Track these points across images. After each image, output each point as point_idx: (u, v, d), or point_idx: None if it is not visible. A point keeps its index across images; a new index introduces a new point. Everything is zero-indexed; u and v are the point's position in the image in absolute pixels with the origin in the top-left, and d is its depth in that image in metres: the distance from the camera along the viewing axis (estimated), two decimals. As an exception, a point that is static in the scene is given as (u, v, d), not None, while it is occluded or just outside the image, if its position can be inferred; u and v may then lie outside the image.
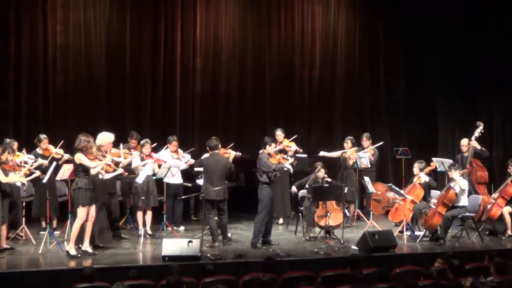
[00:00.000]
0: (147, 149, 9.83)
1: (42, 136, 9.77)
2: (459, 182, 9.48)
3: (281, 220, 11.02)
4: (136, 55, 12.22)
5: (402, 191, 9.93)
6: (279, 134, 10.94)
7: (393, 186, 10.05)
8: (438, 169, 10.65)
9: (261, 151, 9.33)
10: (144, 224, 9.78)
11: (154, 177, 9.75)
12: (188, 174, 10.82)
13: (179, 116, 12.47)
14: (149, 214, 9.85)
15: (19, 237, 9.32)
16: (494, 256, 7.04)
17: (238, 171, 10.90)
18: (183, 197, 10.06)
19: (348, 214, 10.56)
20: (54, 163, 9.13)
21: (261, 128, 12.62)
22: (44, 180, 8.95)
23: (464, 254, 8.32)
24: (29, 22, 11.58)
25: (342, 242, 9.19)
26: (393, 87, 13.63)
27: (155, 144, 10.15)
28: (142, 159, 9.75)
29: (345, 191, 9.67)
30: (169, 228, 9.89)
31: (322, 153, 10.80)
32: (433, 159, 10.74)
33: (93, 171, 8.31)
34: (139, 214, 9.80)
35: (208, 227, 9.19)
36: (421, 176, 9.92)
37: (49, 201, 9.05)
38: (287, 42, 13.09)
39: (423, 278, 6.56)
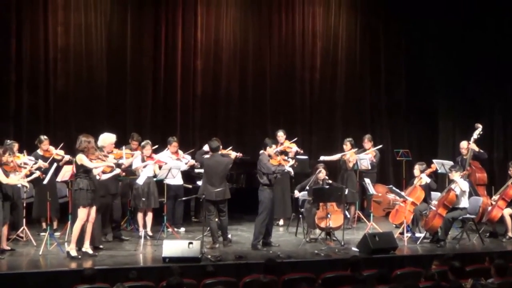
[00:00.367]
0: (147, 150, 9.83)
1: (43, 137, 9.78)
2: (459, 183, 9.48)
3: (281, 222, 11.02)
4: (136, 56, 12.23)
5: (402, 193, 9.93)
6: (281, 135, 10.95)
7: (394, 188, 10.05)
8: (439, 171, 10.65)
9: (261, 152, 9.33)
10: (145, 226, 9.78)
11: (154, 179, 9.75)
12: (188, 175, 10.82)
13: (180, 117, 12.48)
14: (149, 216, 9.85)
15: (20, 238, 9.32)
16: (494, 258, 7.05)
17: (238, 172, 10.91)
18: (183, 198, 10.05)
19: (348, 216, 10.56)
20: (55, 164, 9.13)
21: (262, 129, 12.62)
22: (45, 181, 8.96)
23: (464, 256, 8.31)
24: (30, 23, 11.59)
25: (342, 243, 9.19)
26: (394, 88, 13.63)
27: (156, 146, 10.14)
28: (143, 160, 9.75)
29: (346, 192, 9.66)
30: (170, 230, 9.89)
31: (322, 158, 10.77)
32: (434, 161, 10.75)
33: (95, 172, 8.31)
34: (140, 216, 9.80)
35: (208, 228, 9.19)
36: (422, 177, 9.92)
37: (50, 202, 9.05)
38: (287, 43, 13.09)
39: (424, 280, 6.56)
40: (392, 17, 13.43)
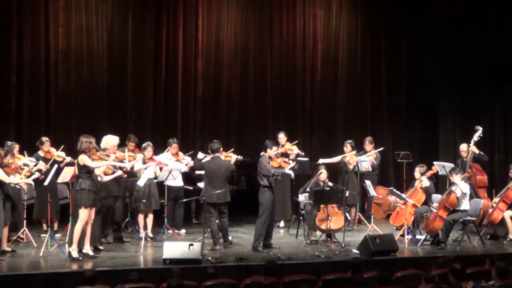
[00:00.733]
0: (149, 152, 9.83)
1: (44, 138, 9.79)
2: (460, 186, 9.48)
3: (282, 224, 11.02)
4: (137, 58, 12.23)
5: (403, 195, 9.92)
6: (282, 137, 10.95)
7: (394, 190, 10.05)
8: (440, 173, 10.64)
9: (262, 154, 9.33)
10: (145, 227, 9.78)
11: (155, 180, 9.75)
12: (189, 177, 10.82)
13: (181, 119, 12.48)
14: (150, 217, 9.85)
15: (20, 239, 9.32)
16: (495, 260, 7.02)
17: (239, 174, 10.90)
18: (184, 200, 10.05)
19: (349, 218, 10.55)
20: (55, 166, 9.14)
21: (263, 131, 12.62)
22: (46, 183, 8.96)
23: (465, 258, 8.28)
24: (31, 25, 11.58)
25: (343, 245, 9.19)
26: (395, 90, 13.63)
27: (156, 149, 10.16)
28: (144, 162, 9.75)
29: (346, 194, 9.66)
30: (170, 231, 9.89)
31: (321, 160, 10.74)
32: (435, 163, 10.74)
33: (97, 171, 8.32)
34: (140, 217, 9.80)
35: (209, 230, 9.19)
36: (422, 180, 9.91)
37: (50, 203, 9.06)
38: (288, 45, 13.10)
39: (424, 282, 6.55)
40: (393, 18, 13.44)
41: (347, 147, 10.98)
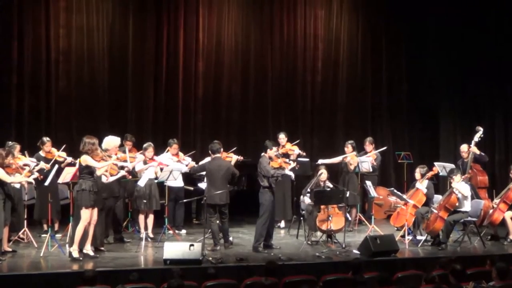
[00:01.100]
0: (150, 152, 9.84)
1: (45, 139, 9.80)
2: (461, 190, 9.46)
3: (282, 224, 11.01)
4: (138, 58, 12.23)
5: (404, 196, 9.93)
6: (282, 137, 10.95)
7: (395, 191, 10.05)
8: (440, 174, 10.64)
9: (262, 154, 9.33)
10: (146, 228, 9.78)
11: (156, 181, 9.75)
12: (189, 177, 10.82)
13: (181, 119, 12.48)
14: (151, 218, 9.85)
15: (21, 240, 9.33)
16: (496, 261, 7.01)
17: (239, 174, 10.89)
18: (184, 200, 10.06)
19: (349, 218, 10.55)
20: (56, 166, 9.14)
21: (263, 132, 12.63)
22: (46, 183, 8.97)
23: (465, 259, 8.28)
24: (32, 25, 11.59)
25: (343, 246, 9.18)
26: (395, 90, 13.63)
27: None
28: (145, 163, 9.75)
29: (347, 195, 9.65)
30: (171, 232, 9.89)
31: (321, 161, 10.71)
32: (435, 163, 10.74)
33: (99, 172, 8.33)
34: (141, 218, 9.80)
35: (209, 230, 9.19)
36: (422, 183, 9.88)
37: (51, 204, 9.06)
38: (289, 46, 13.10)
39: (425, 283, 6.55)
40: (393, 18, 13.45)
41: (348, 148, 10.98)
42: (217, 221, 9.18)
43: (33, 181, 8.87)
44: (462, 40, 12.87)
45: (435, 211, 9.57)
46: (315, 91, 13.26)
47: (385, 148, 11.60)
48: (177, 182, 10.03)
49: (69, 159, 9.57)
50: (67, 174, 8.78)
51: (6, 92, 11.49)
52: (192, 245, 8.18)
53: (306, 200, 9.78)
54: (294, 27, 13.13)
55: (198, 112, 12.59)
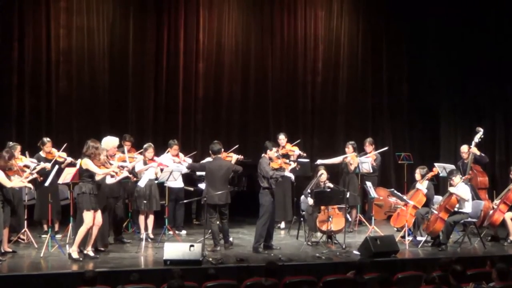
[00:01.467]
0: (150, 153, 9.84)
1: (46, 139, 9.80)
2: (460, 194, 9.46)
3: (282, 225, 11.01)
4: (138, 59, 12.24)
5: (404, 196, 9.92)
6: (282, 138, 10.95)
7: (395, 191, 10.05)
8: (440, 175, 10.64)
9: (262, 155, 9.33)
10: (146, 228, 9.78)
11: (156, 181, 9.75)
12: (189, 178, 10.82)
13: (182, 120, 12.49)
14: (151, 218, 9.85)
15: (21, 240, 9.33)
16: (496, 262, 7.02)
17: (240, 175, 10.91)
18: (185, 201, 10.06)
19: (350, 219, 10.55)
20: (57, 167, 9.15)
21: (264, 132, 12.63)
22: (46, 184, 8.97)
23: (466, 260, 8.28)
24: (32, 26, 11.60)
25: (343, 247, 9.18)
26: (396, 91, 13.63)
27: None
28: (145, 163, 9.76)
29: (347, 196, 9.65)
30: (171, 232, 9.89)
31: (319, 161, 10.70)
32: (436, 164, 10.74)
33: (98, 177, 8.33)
34: (141, 218, 9.80)
35: (209, 231, 9.19)
36: (422, 185, 9.89)
37: (51, 204, 9.06)
38: (289, 47, 13.11)
39: (425, 284, 6.55)
40: (393, 18, 13.45)
41: (349, 148, 10.97)
42: (217, 222, 9.19)
43: (32, 187, 8.86)
44: (462, 40, 12.86)
45: (435, 212, 9.57)
46: (316, 92, 13.26)
47: (385, 148, 11.61)
48: (177, 182, 10.04)
49: (69, 159, 9.57)
50: (68, 175, 8.78)
51: (7, 93, 11.50)
52: (192, 245, 8.18)
53: (309, 201, 9.75)
54: (294, 28, 13.13)
55: (199, 112, 12.59)
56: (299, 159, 10.58)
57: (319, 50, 13.22)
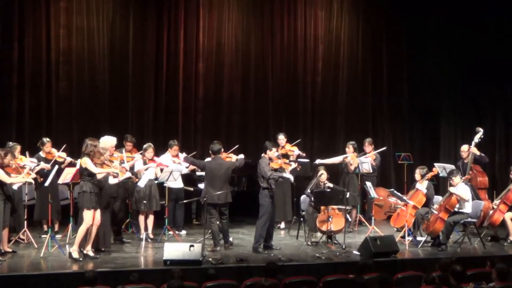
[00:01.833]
0: (150, 153, 9.84)
1: (45, 139, 9.80)
2: (460, 195, 9.46)
3: (282, 225, 11.01)
4: (139, 59, 12.24)
5: (404, 197, 9.93)
6: (281, 138, 10.94)
7: (395, 191, 10.05)
8: (440, 175, 10.64)
9: (262, 155, 9.33)
10: (146, 228, 9.78)
11: (156, 181, 9.75)
12: (189, 178, 10.82)
13: (182, 121, 12.49)
14: (151, 218, 9.85)
15: (21, 240, 9.33)
16: (496, 262, 7.02)
17: (240, 175, 10.91)
18: (184, 201, 10.06)
19: (350, 219, 10.54)
20: (56, 167, 9.15)
21: (264, 133, 12.63)
22: (46, 184, 8.97)
23: (466, 260, 8.29)
24: (32, 26, 11.60)
25: (343, 247, 9.18)
26: (396, 91, 13.64)
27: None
28: (145, 163, 9.76)
29: (347, 196, 9.66)
30: (171, 232, 9.90)
31: (318, 161, 10.69)
32: (435, 164, 10.74)
33: (99, 176, 8.33)
34: (141, 218, 9.80)
35: (209, 231, 9.19)
36: (422, 185, 9.89)
37: (51, 204, 9.06)
38: (289, 47, 13.11)
39: (425, 284, 6.55)
40: (394, 19, 13.46)
41: (349, 148, 10.97)
42: (217, 222, 9.19)
43: (33, 181, 8.86)
44: (462, 40, 12.87)
45: (435, 212, 9.57)
46: (316, 92, 13.26)
47: (384, 148, 11.60)
48: (177, 183, 10.04)
49: (69, 159, 9.57)
50: (67, 175, 8.79)
51: (7, 93, 11.50)
52: (192, 245, 8.18)
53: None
54: (294, 28, 13.13)
55: (199, 112, 12.59)
56: (299, 159, 10.58)
57: (319, 50, 13.22)
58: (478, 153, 10.71)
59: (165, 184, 9.70)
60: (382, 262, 8.44)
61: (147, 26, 12.26)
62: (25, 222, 9.27)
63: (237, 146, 10.45)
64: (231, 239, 9.44)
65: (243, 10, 12.84)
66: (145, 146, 9.96)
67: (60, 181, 9.00)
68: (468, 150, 10.71)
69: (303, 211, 9.92)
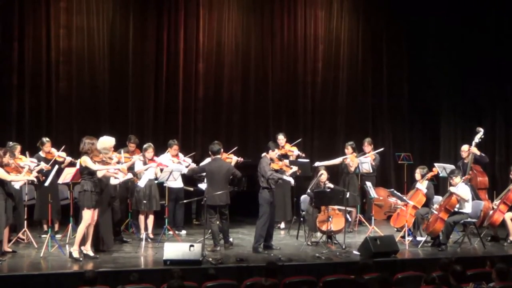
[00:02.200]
0: (149, 153, 9.84)
1: (45, 139, 9.80)
2: (460, 194, 9.46)
3: (282, 225, 11.01)
4: (139, 59, 12.24)
5: (404, 197, 9.93)
6: (281, 138, 10.94)
7: (395, 191, 10.05)
8: (440, 175, 10.64)
9: (263, 155, 9.33)
10: (146, 228, 9.78)
11: (156, 181, 9.75)
12: (189, 178, 10.81)
13: (182, 121, 12.49)
14: (151, 218, 9.85)
15: (21, 240, 9.33)
16: (496, 262, 7.02)
17: (240, 175, 10.89)
18: (184, 201, 10.06)
19: (349, 219, 10.54)
20: (56, 166, 9.15)
21: (264, 133, 12.63)
22: (46, 183, 8.97)
23: (466, 260, 8.29)
24: (32, 26, 11.60)
25: (343, 247, 9.18)
26: (396, 91, 13.64)
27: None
28: (145, 163, 9.76)
29: (347, 196, 9.66)
30: (171, 232, 9.90)
31: (317, 163, 10.61)
32: (435, 164, 10.74)
33: (99, 174, 8.34)
34: (141, 218, 9.80)
35: (209, 231, 9.19)
36: (422, 185, 9.89)
37: (51, 204, 9.06)
38: (289, 47, 13.11)
39: (425, 284, 6.55)
40: (394, 19, 13.45)
41: (348, 149, 10.97)
42: (217, 222, 9.19)
43: (35, 179, 8.84)
44: (462, 40, 12.87)
45: (435, 212, 9.57)
46: (316, 92, 13.27)
47: (382, 149, 11.59)
48: (176, 182, 10.04)
49: (69, 159, 9.57)
50: (67, 175, 8.79)
51: (7, 93, 11.50)
52: (192, 245, 8.18)
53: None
54: (294, 28, 13.13)
55: (199, 113, 12.59)
56: (299, 159, 10.58)
57: (319, 50, 13.22)
58: (478, 153, 10.71)
59: (165, 184, 9.70)
60: (382, 262, 8.44)
61: (147, 26, 12.27)
62: (25, 222, 9.26)
63: (235, 148, 10.41)
64: (231, 239, 9.44)
65: (243, 10, 12.84)
66: (145, 146, 9.96)
67: (60, 181, 9.00)
68: (468, 150, 10.70)
69: (303, 211, 9.92)
